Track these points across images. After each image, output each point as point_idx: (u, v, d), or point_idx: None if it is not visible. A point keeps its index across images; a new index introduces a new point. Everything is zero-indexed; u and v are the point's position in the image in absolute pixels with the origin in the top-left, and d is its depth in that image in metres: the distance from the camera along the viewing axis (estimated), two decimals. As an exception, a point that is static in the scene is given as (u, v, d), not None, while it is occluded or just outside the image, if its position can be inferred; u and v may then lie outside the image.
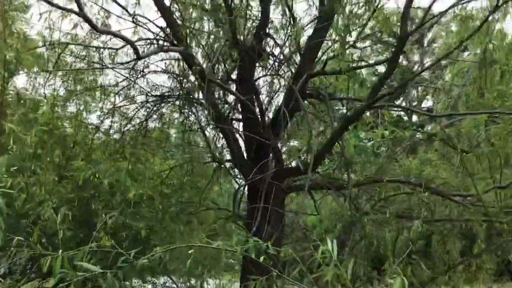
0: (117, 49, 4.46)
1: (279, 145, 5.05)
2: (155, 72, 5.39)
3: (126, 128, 6.18)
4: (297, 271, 3.33)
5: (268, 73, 5.65)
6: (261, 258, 2.92)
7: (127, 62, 4.53)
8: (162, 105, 5.61)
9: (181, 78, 5.27)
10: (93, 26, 3.23)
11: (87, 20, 3.07)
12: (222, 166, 5.82)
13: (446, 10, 4.35)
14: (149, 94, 5.57)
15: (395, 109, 5.61)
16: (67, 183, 6.08)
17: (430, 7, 4.12)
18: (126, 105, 5.72)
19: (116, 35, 3.85)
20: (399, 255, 4.60)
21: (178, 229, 6.47)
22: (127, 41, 3.68)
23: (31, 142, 5.22)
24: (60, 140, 6.12)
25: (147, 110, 5.72)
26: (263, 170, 5.07)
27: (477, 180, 5.70)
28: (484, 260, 6.62)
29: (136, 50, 3.40)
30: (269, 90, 5.79)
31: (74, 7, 2.97)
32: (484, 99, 5.77)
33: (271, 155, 5.22)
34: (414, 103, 20.95)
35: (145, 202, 6.73)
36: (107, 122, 6.27)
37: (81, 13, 2.95)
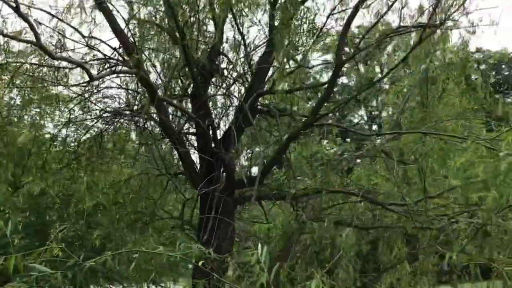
0: (70, 69, 4.66)
1: (229, 159, 5.38)
2: (110, 87, 5.62)
3: (82, 138, 6.32)
4: (236, 275, 3.68)
5: (220, 91, 6.00)
6: (200, 263, 3.24)
7: (81, 83, 4.75)
8: (117, 119, 5.83)
9: (135, 94, 5.53)
10: (49, 54, 3.46)
11: (43, 49, 3.30)
12: (172, 178, 6.09)
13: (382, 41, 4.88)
14: (104, 110, 5.79)
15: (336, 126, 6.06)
16: (22, 194, 6.15)
17: (362, 38, 4.61)
18: (82, 120, 5.89)
19: (69, 61, 4.07)
20: (342, 258, 5.07)
21: (134, 237, 6.65)
22: (80, 65, 3.92)
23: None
24: (15, 150, 6.18)
25: (103, 122, 5.93)
26: (214, 182, 5.39)
27: (414, 190, 6.25)
28: (425, 263, 7.17)
29: (88, 73, 3.65)
30: (222, 107, 6.14)
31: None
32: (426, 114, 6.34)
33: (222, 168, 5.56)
34: (375, 112, 21.95)
35: (101, 211, 6.88)
36: (63, 132, 6.39)
37: (38, 43, 3.18)
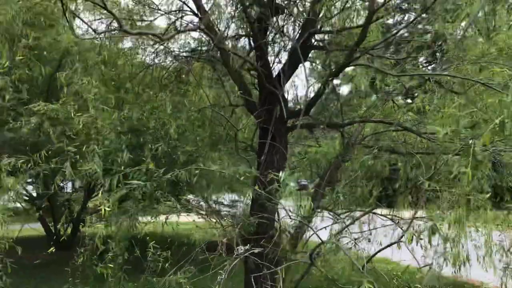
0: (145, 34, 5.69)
1: (283, 94, 6.36)
2: (184, 32, 6.68)
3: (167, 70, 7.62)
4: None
5: (274, 32, 6.79)
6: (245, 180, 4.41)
7: (153, 43, 5.88)
8: (189, 59, 7.00)
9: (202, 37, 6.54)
10: (127, 32, 4.54)
11: (126, 32, 4.37)
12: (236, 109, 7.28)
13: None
14: (179, 52, 7.00)
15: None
16: (124, 119, 7.77)
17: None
18: (160, 62, 7.15)
19: (142, 33, 5.14)
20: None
21: (210, 156, 8.12)
22: (154, 35, 4.97)
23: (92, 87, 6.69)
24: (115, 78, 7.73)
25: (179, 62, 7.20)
26: (271, 113, 6.44)
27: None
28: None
29: (158, 37, 4.68)
30: (279, 46, 6.96)
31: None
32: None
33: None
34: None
35: (185, 134, 8.37)
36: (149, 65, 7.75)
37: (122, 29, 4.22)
